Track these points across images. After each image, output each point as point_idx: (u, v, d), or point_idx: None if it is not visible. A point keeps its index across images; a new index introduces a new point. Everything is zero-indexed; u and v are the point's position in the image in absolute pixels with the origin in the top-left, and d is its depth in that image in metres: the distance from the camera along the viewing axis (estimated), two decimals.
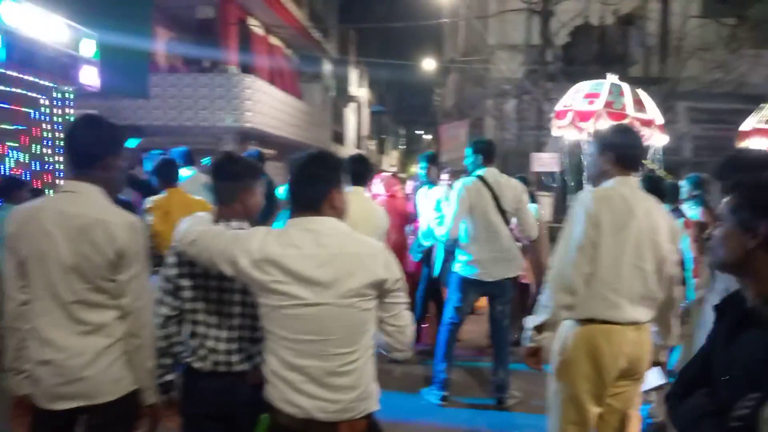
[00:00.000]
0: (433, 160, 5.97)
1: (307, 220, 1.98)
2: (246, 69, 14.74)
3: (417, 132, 46.20)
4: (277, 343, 1.96)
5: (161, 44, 14.96)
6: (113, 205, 2.19)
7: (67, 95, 7.68)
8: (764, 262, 1.47)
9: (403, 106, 34.23)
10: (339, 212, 2.04)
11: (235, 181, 2.27)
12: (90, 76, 7.63)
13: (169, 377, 2.30)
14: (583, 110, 5.44)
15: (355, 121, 28.21)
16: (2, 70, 6.50)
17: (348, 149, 23.77)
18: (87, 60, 7.56)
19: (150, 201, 4.30)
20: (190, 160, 5.77)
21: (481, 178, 4.50)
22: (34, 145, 7.08)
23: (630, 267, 2.56)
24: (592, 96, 5.48)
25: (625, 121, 5.04)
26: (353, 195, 2.84)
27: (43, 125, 7.34)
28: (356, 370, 1.95)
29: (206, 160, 6.74)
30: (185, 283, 2.24)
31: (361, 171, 3.93)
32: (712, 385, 1.55)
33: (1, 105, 6.66)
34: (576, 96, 5.65)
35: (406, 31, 17.19)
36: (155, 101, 13.68)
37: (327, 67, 22.71)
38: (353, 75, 26.86)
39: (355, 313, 1.94)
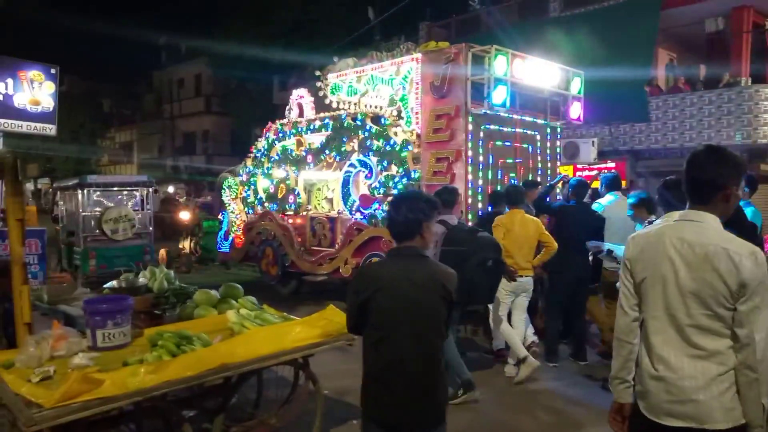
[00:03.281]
0: None
1: None
2: (759, 79, 11.94)
3: None
4: None
5: (661, 66, 13.67)
6: (732, 234, 1.98)
7: (557, 129, 7.71)
8: None
9: None
10: None
11: None
12: (576, 111, 7.48)
13: None
14: None
15: None
16: (507, 115, 6.93)
17: None
18: (574, 96, 7.46)
19: (496, 219, 5.23)
20: (616, 185, 5.84)
21: None
22: (529, 175, 7.32)
23: None
24: None
25: None
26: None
27: (538, 157, 7.53)
28: None
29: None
30: None
31: None
32: None
33: (506, 143, 7.10)
34: None
35: None
36: (655, 124, 12.64)
37: None
38: None
39: None
